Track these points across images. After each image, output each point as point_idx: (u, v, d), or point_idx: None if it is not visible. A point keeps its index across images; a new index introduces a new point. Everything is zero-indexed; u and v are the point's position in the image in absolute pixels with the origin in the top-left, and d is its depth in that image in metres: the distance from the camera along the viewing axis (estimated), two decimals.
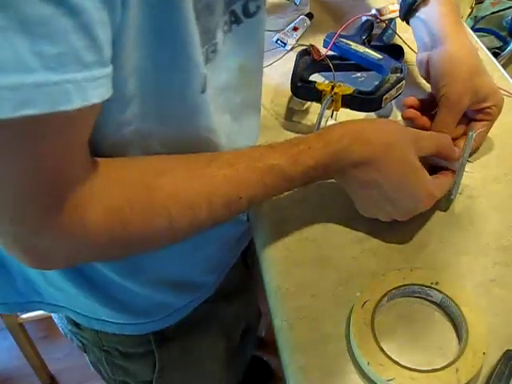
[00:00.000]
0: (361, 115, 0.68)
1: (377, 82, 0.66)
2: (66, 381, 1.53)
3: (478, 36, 0.89)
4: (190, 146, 0.48)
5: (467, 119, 0.65)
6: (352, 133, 0.51)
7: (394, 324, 0.52)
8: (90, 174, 0.39)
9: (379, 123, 0.55)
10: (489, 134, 0.63)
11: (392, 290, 0.52)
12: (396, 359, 0.47)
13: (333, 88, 0.65)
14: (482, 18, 1.49)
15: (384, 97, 0.64)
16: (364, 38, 0.78)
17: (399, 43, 0.79)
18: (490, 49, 0.92)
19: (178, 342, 0.70)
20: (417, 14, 0.67)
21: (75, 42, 0.32)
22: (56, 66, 0.31)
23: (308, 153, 0.50)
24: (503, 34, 1.46)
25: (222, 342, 0.78)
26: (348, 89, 0.65)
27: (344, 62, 0.74)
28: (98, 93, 0.34)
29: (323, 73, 0.75)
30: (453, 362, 0.47)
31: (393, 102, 0.69)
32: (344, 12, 0.93)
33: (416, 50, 0.69)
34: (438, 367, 0.47)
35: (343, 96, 0.65)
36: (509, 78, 0.78)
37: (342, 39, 0.74)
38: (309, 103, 0.74)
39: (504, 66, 0.82)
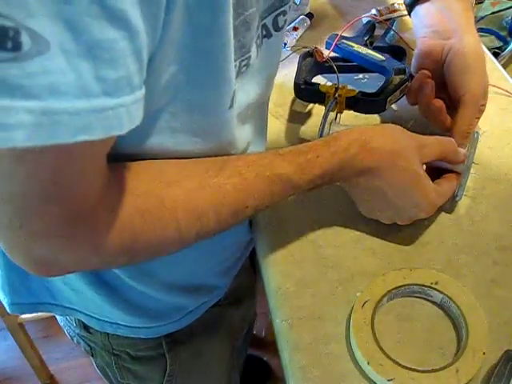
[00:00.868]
0: (365, 117, 0.68)
1: (380, 84, 0.66)
2: (66, 381, 1.53)
3: (478, 36, 0.89)
4: (207, 155, 0.48)
5: None
6: (359, 142, 0.51)
7: (394, 324, 0.52)
8: (103, 184, 0.39)
9: (385, 131, 0.54)
10: (489, 134, 0.63)
11: (392, 289, 0.52)
12: (396, 359, 0.47)
13: (336, 90, 0.65)
14: (482, 17, 1.49)
15: (388, 99, 0.64)
16: (366, 39, 0.78)
17: (400, 44, 0.79)
18: (490, 49, 0.92)
19: (188, 346, 0.70)
20: (432, 1, 0.66)
21: (130, 65, 0.32)
22: (113, 90, 0.31)
23: (316, 162, 0.50)
24: (503, 33, 1.46)
25: (228, 344, 0.79)
26: (352, 91, 0.65)
27: (347, 64, 0.74)
28: (139, 114, 0.34)
29: (326, 75, 0.74)
30: (453, 362, 0.47)
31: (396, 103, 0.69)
32: (344, 12, 0.93)
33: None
34: (438, 367, 0.47)
35: (347, 98, 0.65)
36: (509, 78, 0.78)
37: (344, 41, 0.74)
38: (312, 105, 0.74)
39: (504, 66, 0.82)
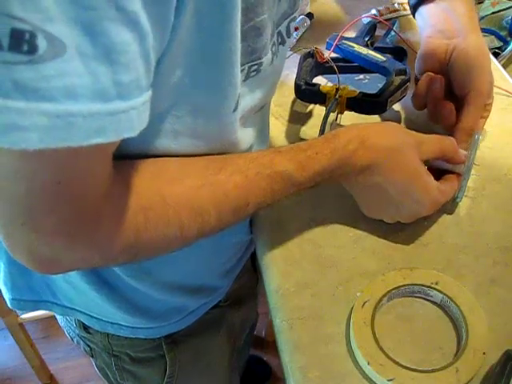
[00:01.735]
0: (365, 118, 0.68)
1: (381, 85, 0.66)
2: (65, 381, 1.53)
3: None
4: (209, 154, 0.48)
5: None
6: (357, 138, 0.51)
7: (394, 324, 0.52)
8: (108, 183, 0.39)
9: (383, 127, 0.55)
10: (489, 134, 0.63)
11: (392, 289, 0.52)
12: (396, 359, 0.47)
13: (337, 91, 0.65)
14: (482, 18, 1.49)
15: (389, 99, 0.64)
16: (367, 39, 0.78)
17: (401, 44, 0.79)
18: (490, 49, 0.92)
19: (188, 347, 0.70)
20: (436, 2, 0.66)
21: (140, 68, 0.32)
22: (126, 93, 0.31)
23: (315, 159, 0.50)
24: (503, 33, 1.46)
25: (228, 345, 0.79)
26: (353, 91, 0.65)
27: (347, 65, 0.73)
28: (147, 115, 0.34)
29: (327, 75, 0.74)
30: (453, 362, 0.47)
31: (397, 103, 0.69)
32: (344, 12, 0.93)
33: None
34: (438, 367, 0.47)
35: (348, 99, 0.65)
36: (509, 78, 0.78)
37: (345, 41, 0.74)
38: (312, 106, 0.74)
39: (504, 66, 0.82)
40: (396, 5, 0.91)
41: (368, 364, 0.47)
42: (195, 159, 0.47)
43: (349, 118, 0.67)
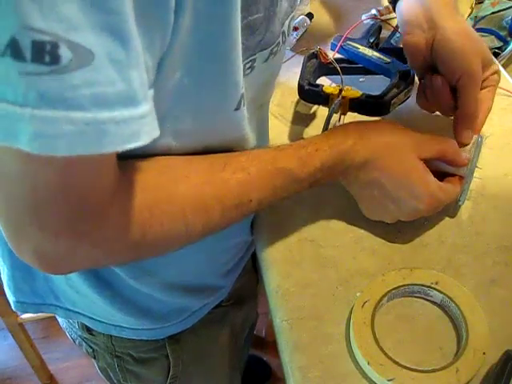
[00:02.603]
0: (368, 119, 0.68)
1: (384, 86, 0.65)
2: (65, 381, 1.53)
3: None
4: (214, 152, 0.49)
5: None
6: (355, 134, 0.52)
7: (394, 324, 0.52)
8: (113, 182, 0.39)
9: (381, 124, 0.55)
10: (489, 134, 0.63)
11: (392, 289, 0.52)
12: (396, 359, 0.47)
13: (340, 92, 0.65)
14: (482, 17, 1.49)
15: (392, 101, 0.64)
16: (372, 41, 0.77)
17: None
18: (490, 49, 0.92)
19: (192, 347, 0.70)
20: None
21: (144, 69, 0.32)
22: (148, 95, 0.32)
23: (315, 155, 0.51)
24: (503, 33, 1.46)
25: (230, 345, 0.79)
26: (356, 93, 0.65)
27: (351, 66, 0.73)
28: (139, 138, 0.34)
29: (330, 76, 0.74)
30: (453, 362, 0.47)
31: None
32: (344, 12, 0.93)
33: None
34: (438, 367, 0.47)
35: (351, 100, 0.65)
36: (509, 78, 0.78)
37: (349, 42, 0.73)
38: (316, 107, 0.74)
39: (504, 66, 0.82)
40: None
41: (368, 364, 0.47)
42: (199, 157, 0.47)
43: (352, 119, 0.67)
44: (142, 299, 0.60)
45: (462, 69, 0.59)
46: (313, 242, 0.58)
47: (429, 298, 0.53)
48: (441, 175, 0.57)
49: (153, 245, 0.44)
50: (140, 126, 0.31)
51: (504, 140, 0.68)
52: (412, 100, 0.67)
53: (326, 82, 0.72)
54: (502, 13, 1.49)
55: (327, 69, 0.72)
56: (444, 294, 0.51)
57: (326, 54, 0.71)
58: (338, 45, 0.73)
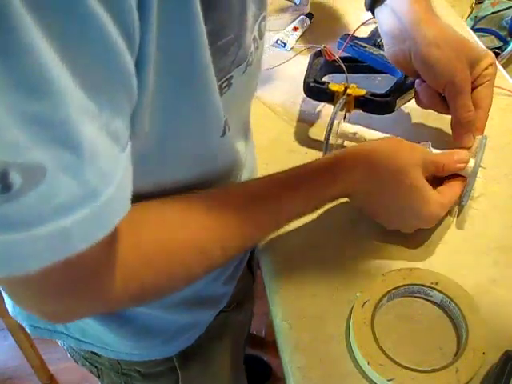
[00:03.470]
0: (375, 117, 0.68)
1: (391, 85, 0.66)
2: (66, 381, 1.53)
3: (478, 36, 0.89)
4: (206, 182, 0.48)
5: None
6: (363, 165, 0.52)
7: (394, 324, 0.52)
8: (107, 243, 0.37)
9: (389, 148, 0.54)
10: (489, 134, 0.63)
11: (392, 290, 0.52)
12: (396, 359, 0.47)
13: (346, 89, 0.65)
14: (482, 17, 1.49)
15: (397, 100, 0.64)
16: (379, 40, 0.77)
17: None
18: (490, 49, 0.92)
19: (198, 357, 0.69)
20: (385, 3, 0.63)
21: (107, 141, 0.31)
22: (109, 179, 0.31)
23: (320, 191, 0.51)
24: (503, 33, 1.46)
25: (231, 349, 0.78)
26: (361, 91, 0.65)
27: (358, 64, 0.73)
28: (130, 172, 0.33)
29: (337, 74, 0.74)
30: (453, 362, 0.47)
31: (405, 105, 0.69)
32: (344, 12, 0.93)
33: None
34: (438, 367, 0.47)
35: (356, 98, 0.65)
36: (509, 78, 0.78)
37: (356, 41, 0.73)
38: (320, 107, 0.74)
39: (504, 66, 0.82)
40: None
41: (368, 364, 0.47)
42: (195, 201, 0.45)
43: (357, 117, 0.67)
44: (150, 322, 0.59)
45: (444, 79, 0.58)
46: (313, 242, 0.58)
47: (429, 298, 0.53)
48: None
49: (153, 293, 0.44)
50: (104, 214, 0.30)
51: (504, 140, 0.68)
52: None
53: (334, 81, 0.72)
54: (501, 13, 1.49)
55: (333, 67, 0.72)
56: (444, 294, 0.51)
57: (331, 52, 0.71)
58: (345, 43, 0.73)
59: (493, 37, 1.47)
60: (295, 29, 0.88)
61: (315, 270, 0.56)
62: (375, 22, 0.67)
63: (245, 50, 0.42)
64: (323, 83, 0.68)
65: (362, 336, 0.49)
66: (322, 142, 0.64)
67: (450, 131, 0.62)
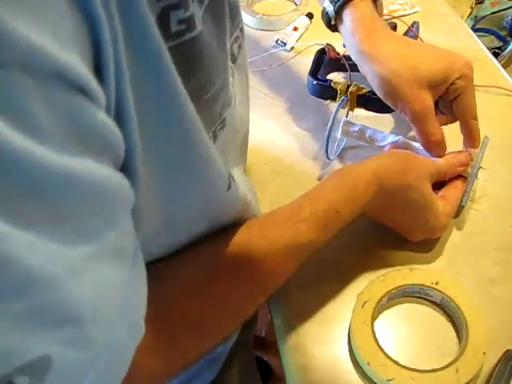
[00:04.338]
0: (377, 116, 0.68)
1: None
2: None
3: (478, 36, 0.89)
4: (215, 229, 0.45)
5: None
6: (376, 183, 0.50)
7: (394, 324, 0.52)
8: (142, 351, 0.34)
9: (397, 164, 0.53)
10: (489, 134, 0.63)
11: (392, 290, 0.52)
12: (396, 359, 0.47)
13: (348, 87, 0.65)
14: (482, 17, 1.50)
15: None
16: None
17: None
18: (490, 49, 0.92)
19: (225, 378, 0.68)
20: (339, 28, 0.63)
21: None
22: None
23: (337, 218, 0.49)
24: (503, 33, 1.46)
25: (251, 357, 0.77)
26: (363, 89, 0.65)
27: None
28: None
29: (343, 72, 0.74)
30: (453, 362, 0.47)
31: None
32: None
33: None
34: (438, 367, 0.47)
35: (358, 96, 0.65)
36: (509, 78, 0.78)
37: None
38: (322, 105, 0.74)
39: (504, 66, 0.82)
40: (396, 5, 0.91)
41: (368, 364, 0.47)
42: (205, 273, 0.43)
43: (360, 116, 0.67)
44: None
45: (399, 109, 0.58)
46: None
47: (429, 298, 0.53)
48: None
49: (183, 361, 0.42)
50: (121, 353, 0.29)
51: (504, 140, 0.68)
52: None
53: (339, 79, 0.72)
54: (502, 13, 1.49)
55: (338, 65, 0.72)
56: (444, 294, 0.51)
57: (335, 50, 0.71)
58: None
59: (493, 37, 1.47)
60: (295, 29, 0.88)
61: (315, 269, 0.56)
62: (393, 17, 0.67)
63: (227, 87, 0.39)
64: (326, 81, 0.68)
65: (362, 336, 0.49)
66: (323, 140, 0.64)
67: (449, 129, 0.62)
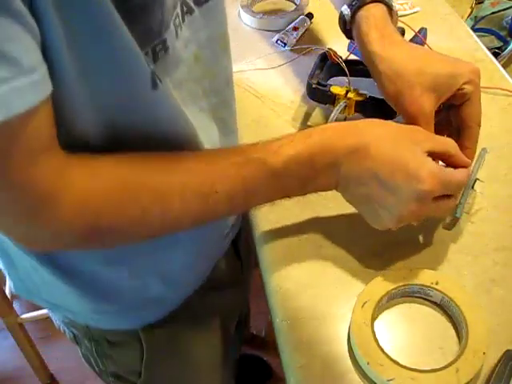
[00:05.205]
0: None
1: None
2: (66, 381, 1.53)
3: (478, 36, 0.89)
4: (169, 146, 0.48)
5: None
6: (335, 125, 0.51)
7: (394, 324, 0.52)
8: (64, 164, 0.40)
9: (374, 120, 0.53)
10: (489, 134, 0.63)
11: (392, 290, 0.52)
12: (396, 359, 0.47)
13: (347, 93, 0.65)
14: (482, 17, 1.49)
15: None
16: None
17: None
18: (490, 49, 0.92)
19: (164, 330, 0.69)
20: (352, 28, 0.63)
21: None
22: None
23: (290, 144, 0.48)
24: (503, 33, 1.46)
25: (217, 335, 0.77)
26: (361, 95, 0.65)
27: (364, 68, 0.71)
28: (23, 101, 0.35)
29: (343, 77, 0.74)
30: (453, 362, 0.47)
31: None
32: None
33: None
34: (438, 367, 0.47)
35: (357, 102, 0.65)
36: (509, 78, 0.78)
37: None
38: (321, 107, 0.74)
39: (504, 66, 0.82)
40: (396, 5, 0.91)
41: (368, 364, 0.47)
42: (161, 153, 0.47)
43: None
44: (102, 283, 0.59)
45: (399, 112, 0.58)
46: (313, 242, 0.58)
47: (429, 298, 0.53)
48: None
49: (110, 230, 0.45)
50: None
51: (504, 140, 0.68)
52: None
53: (340, 84, 0.71)
54: (501, 13, 1.49)
55: (339, 69, 0.71)
56: (444, 294, 0.51)
57: (336, 54, 0.71)
58: (354, 45, 0.72)
59: (493, 37, 1.47)
60: (295, 29, 0.88)
61: (315, 269, 0.56)
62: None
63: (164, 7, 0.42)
64: (325, 85, 0.68)
65: (362, 336, 0.49)
66: None
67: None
